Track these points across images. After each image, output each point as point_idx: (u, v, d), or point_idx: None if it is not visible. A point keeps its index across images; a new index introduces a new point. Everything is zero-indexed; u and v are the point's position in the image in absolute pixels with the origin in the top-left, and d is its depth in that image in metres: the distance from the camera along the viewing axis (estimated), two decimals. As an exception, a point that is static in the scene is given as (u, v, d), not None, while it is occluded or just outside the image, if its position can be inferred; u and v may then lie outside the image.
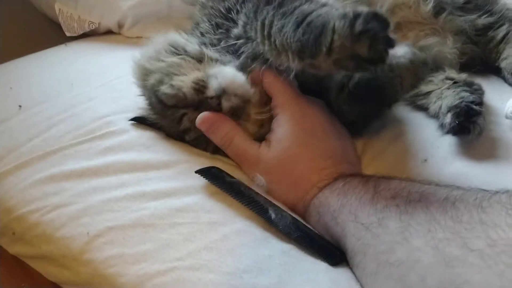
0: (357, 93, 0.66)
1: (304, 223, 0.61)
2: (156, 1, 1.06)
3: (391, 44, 0.52)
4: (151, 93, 0.72)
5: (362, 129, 0.75)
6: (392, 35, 0.52)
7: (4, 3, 1.26)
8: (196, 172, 0.66)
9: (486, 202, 0.45)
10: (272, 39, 0.61)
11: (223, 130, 0.68)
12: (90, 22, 1.09)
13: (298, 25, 0.57)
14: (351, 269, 0.56)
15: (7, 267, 0.70)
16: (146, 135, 0.74)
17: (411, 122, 0.80)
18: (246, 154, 0.68)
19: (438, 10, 0.88)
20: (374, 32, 0.51)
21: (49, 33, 1.20)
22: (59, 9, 1.11)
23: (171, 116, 0.70)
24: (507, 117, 0.75)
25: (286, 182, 0.65)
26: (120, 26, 1.08)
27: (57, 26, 1.15)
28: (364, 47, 0.51)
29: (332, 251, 0.57)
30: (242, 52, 0.69)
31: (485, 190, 0.48)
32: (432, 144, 0.74)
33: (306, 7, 0.59)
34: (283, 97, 0.68)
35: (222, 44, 0.72)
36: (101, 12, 1.08)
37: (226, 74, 0.67)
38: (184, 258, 0.56)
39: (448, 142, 0.74)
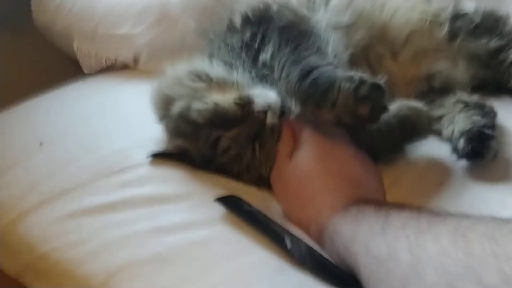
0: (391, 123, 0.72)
1: (320, 252, 0.61)
2: (169, 36, 1.08)
3: (386, 110, 0.65)
4: (178, 119, 0.73)
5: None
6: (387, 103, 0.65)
7: (24, 40, 1.31)
8: (215, 200, 0.67)
9: (498, 232, 0.43)
10: (281, 81, 0.69)
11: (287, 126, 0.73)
12: (106, 58, 1.12)
13: (303, 77, 0.65)
14: None
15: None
16: (163, 168, 0.76)
17: (425, 146, 0.79)
18: (278, 156, 0.71)
19: (452, 36, 0.88)
20: (376, 99, 0.63)
21: (68, 70, 1.23)
22: (77, 48, 1.15)
23: (204, 137, 0.71)
24: (520, 138, 0.75)
25: (299, 197, 0.66)
26: (136, 61, 1.11)
27: (76, 62, 1.19)
28: (366, 110, 0.63)
29: (348, 282, 0.56)
30: (268, 81, 0.74)
31: (497, 218, 0.47)
32: (446, 168, 0.74)
33: (312, 60, 0.68)
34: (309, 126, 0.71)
35: (246, 66, 0.76)
36: (117, 48, 1.11)
37: (269, 94, 0.72)
38: None
39: (463, 165, 0.73)
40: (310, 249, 0.60)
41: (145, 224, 0.66)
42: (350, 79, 0.63)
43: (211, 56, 0.82)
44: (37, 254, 0.68)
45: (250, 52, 0.77)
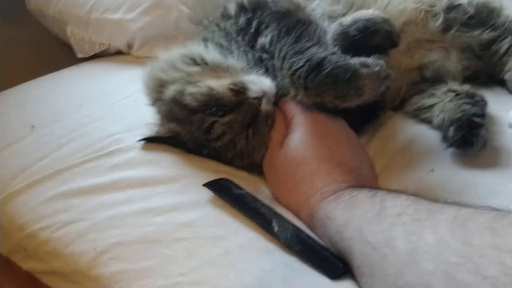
0: None
1: (308, 233, 0.61)
2: (164, 21, 1.09)
3: None
4: (172, 103, 0.73)
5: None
6: None
7: (18, 26, 1.31)
8: (204, 185, 0.67)
9: (498, 223, 0.43)
10: (283, 72, 0.70)
11: (280, 114, 0.73)
12: (100, 44, 1.12)
13: (314, 68, 0.66)
14: (355, 281, 0.55)
15: (18, 283, 0.72)
16: (153, 152, 0.76)
17: (416, 134, 0.80)
18: (270, 144, 0.71)
19: (446, 27, 0.88)
20: (391, 74, 0.70)
21: (61, 55, 1.24)
22: (71, 32, 1.15)
23: (198, 122, 0.71)
24: (510, 127, 0.75)
25: (289, 182, 0.66)
26: (130, 46, 1.11)
27: (69, 48, 1.19)
28: (386, 86, 0.69)
29: (334, 264, 0.57)
30: (265, 65, 0.74)
31: (496, 209, 0.46)
32: (438, 155, 0.75)
33: (316, 51, 0.68)
34: (300, 113, 0.72)
35: (242, 50, 0.76)
36: (110, 34, 1.11)
37: (264, 81, 0.72)
38: (187, 273, 0.56)
39: (453, 151, 0.74)
40: (297, 232, 0.60)
41: (134, 205, 0.67)
42: (364, 64, 0.67)
43: (206, 40, 0.81)
44: (27, 233, 0.68)
45: (246, 36, 0.77)
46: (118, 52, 1.14)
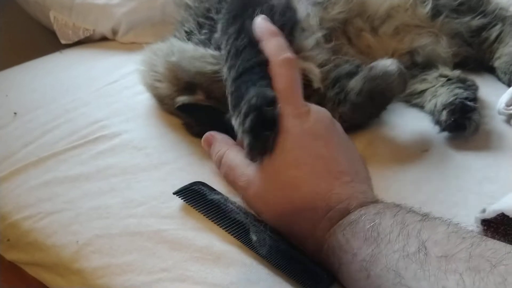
0: (360, 101, 0.70)
1: (288, 244, 0.54)
2: (149, 7, 1.06)
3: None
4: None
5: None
6: None
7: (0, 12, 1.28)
8: (174, 193, 0.62)
9: None
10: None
11: (216, 147, 0.64)
12: (84, 29, 1.09)
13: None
14: None
15: (2, 273, 0.70)
16: (138, 138, 0.75)
17: (408, 115, 0.80)
18: (235, 172, 0.59)
19: (435, 13, 0.87)
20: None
21: (45, 41, 1.20)
22: (54, 17, 1.12)
23: None
24: (499, 113, 0.75)
25: (286, 214, 0.54)
26: (114, 32, 1.09)
27: (53, 34, 1.16)
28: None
29: (317, 275, 0.52)
30: None
31: None
32: (430, 137, 0.74)
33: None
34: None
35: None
36: (95, 19, 1.08)
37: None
38: (169, 269, 0.54)
39: (446, 135, 0.74)
40: (275, 242, 0.54)
41: (117, 195, 0.65)
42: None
43: (182, 24, 0.79)
44: (9, 222, 0.66)
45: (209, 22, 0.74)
46: (103, 38, 1.12)
